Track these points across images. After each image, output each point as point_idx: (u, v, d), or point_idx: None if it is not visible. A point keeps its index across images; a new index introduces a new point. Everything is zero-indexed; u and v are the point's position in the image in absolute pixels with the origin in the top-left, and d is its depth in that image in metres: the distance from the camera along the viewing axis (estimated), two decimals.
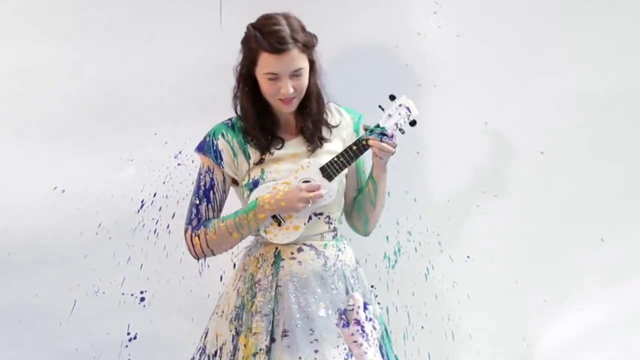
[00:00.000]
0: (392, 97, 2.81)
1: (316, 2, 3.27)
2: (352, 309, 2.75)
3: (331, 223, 2.88)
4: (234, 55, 3.13)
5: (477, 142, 3.36)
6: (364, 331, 2.73)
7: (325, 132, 2.89)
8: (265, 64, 2.74)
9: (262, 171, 2.82)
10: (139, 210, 3.32)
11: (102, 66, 3.30)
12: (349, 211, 2.98)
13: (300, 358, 2.74)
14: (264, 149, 2.83)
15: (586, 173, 3.37)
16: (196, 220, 2.83)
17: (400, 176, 3.31)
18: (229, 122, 2.87)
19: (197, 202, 2.84)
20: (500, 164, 3.36)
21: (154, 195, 3.32)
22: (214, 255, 2.86)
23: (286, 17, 2.78)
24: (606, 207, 3.38)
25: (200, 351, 2.90)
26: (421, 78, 3.33)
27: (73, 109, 3.31)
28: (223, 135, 2.85)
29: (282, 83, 2.75)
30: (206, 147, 2.85)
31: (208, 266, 3.33)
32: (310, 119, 2.86)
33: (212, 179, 2.85)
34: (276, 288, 2.81)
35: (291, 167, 2.82)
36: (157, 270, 3.33)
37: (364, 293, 2.90)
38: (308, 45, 2.76)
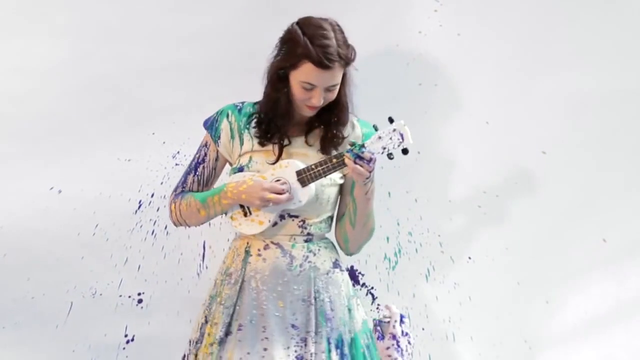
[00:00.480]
0: (391, 120, 2.72)
1: (315, 0, 3.19)
2: (389, 322, 2.82)
3: (305, 228, 2.86)
4: (233, 54, 3.19)
5: (478, 142, 3.36)
6: (399, 346, 2.81)
7: (339, 142, 2.88)
8: (306, 73, 2.75)
9: (250, 159, 2.85)
10: (136, 211, 3.31)
11: (99, 65, 3.29)
12: (335, 226, 2.97)
13: (248, 354, 2.77)
14: (268, 139, 2.84)
15: (588, 173, 3.37)
16: (180, 189, 2.92)
17: (401, 176, 3.33)
18: (240, 104, 2.91)
19: (187, 171, 2.93)
20: (502, 163, 3.36)
21: (152, 195, 3.31)
22: (188, 226, 2.93)
23: (334, 28, 2.78)
24: (608, 207, 3.38)
25: (189, 342, 2.96)
26: (422, 77, 3.33)
27: (70, 109, 3.30)
28: (228, 115, 2.89)
29: (315, 94, 2.76)
30: (210, 123, 2.92)
31: (206, 267, 3.32)
32: (335, 129, 2.86)
33: (205, 154, 2.93)
34: (242, 282, 2.84)
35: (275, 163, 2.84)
36: (155, 272, 3.32)
37: (332, 298, 2.85)
38: (348, 63, 2.78)
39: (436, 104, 3.33)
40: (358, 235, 2.91)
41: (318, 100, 2.76)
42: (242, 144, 2.88)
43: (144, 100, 3.31)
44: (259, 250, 2.85)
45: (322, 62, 2.71)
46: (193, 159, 2.93)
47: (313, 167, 2.76)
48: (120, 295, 3.31)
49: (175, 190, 2.93)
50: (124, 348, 3.32)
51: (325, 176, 2.77)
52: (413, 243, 3.37)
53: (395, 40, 3.32)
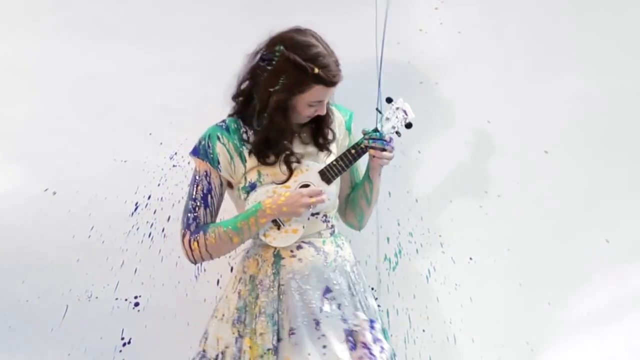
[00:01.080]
0: (389, 100, 2.90)
1: (313, 0, 3.28)
2: (359, 330, 2.84)
3: (328, 221, 2.94)
4: (229, 54, 3.12)
5: (479, 141, 3.34)
6: (372, 354, 2.82)
7: (329, 135, 2.96)
8: (316, 94, 2.82)
9: (259, 174, 2.87)
10: (132, 213, 3.29)
11: (94, 64, 3.30)
12: (343, 208, 3.06)
13: (309, 354, 2.79)
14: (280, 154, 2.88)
15: (591, 172, 3.37)
16: (194, 225, 2.86)
17: (402, 176, 3.33)
18: (223, 124, 2.91)
19: (195, 206, 2.87)
20: (504, 163, 3.35)
21: (149, 197, 3.30)
22: (212, 259, 2.90)
23: (317, 39, 2.84)
24: (611, 207, 3.37)
25: (200, 356, 2.92)
26: (423, 75, 3.32)
27: (64, 108, 3.29)
28: (219, 138, 2.88)
29: (322, 106, 2.86)
30: (202, 151, 2.88)
31: (204, 270, 3.30)
32: (327, 125, 2.94)
33: (209, 183, 2.88)
34: (279, 287, 2.85)
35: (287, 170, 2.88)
36: (152, 275, 3.31)
37: (364, 288, 2.97)
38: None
39: (437, 103, 3.31)
40: (371, 211, 3.06)
41: (323, 110, 2.87)
42: (244, 161, 2.89)
43: (140, 100, 3.29)
44: (291, 252, 2.89)
45: (332, 81, 2.81)
46: (195, 192, 2.88)
47: (334, 163, 2.88)
48: (117, 299, 3.30)
49: (187, 228, 2.86)
50: (120, 351, 3.30)
51: (347, 169, 2.89)
52: (414, 244, 3.36)
53: (396, 39, 3.30)
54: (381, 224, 3.34)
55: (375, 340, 2.86)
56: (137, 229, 3.29)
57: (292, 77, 2.78)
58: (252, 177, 2.87)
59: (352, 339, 2.83)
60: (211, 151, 2.87)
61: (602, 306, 3.36)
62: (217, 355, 2.88)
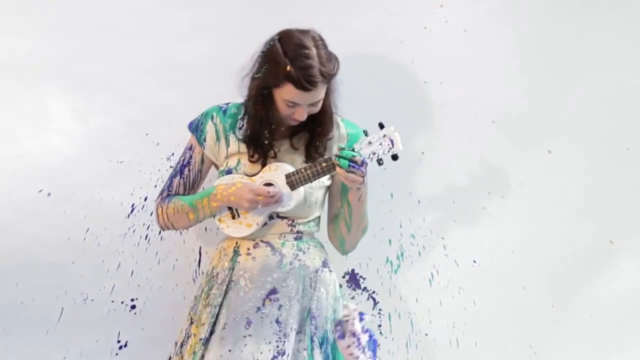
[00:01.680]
0: (381, 126, 2.79)
1: None
2: (348, 320, 2.83)
3: (294, 226, 2.96)
4: (228, 53, 3.15)
5: (483, 141, 3.33)
6: (360, 343, 2.82)
7: (319, 148, 2.95)
8: (288, 93, 2.81)
9: (238, 162, 2.93)
10: (129, 215, 3.28)
11: (91, 63, 3.27)
12: (329, 228, 3.07)
13: (229, 351, 2.84)
14: (258, 149, 2.91)
15: (594, 173, 3.36)
16: (166, 192, 3.00)
17: (404, 177, 3.32)
18: (224, 105, 2.99)
19: (173, 174, 3.00)
20: (508, 163, 3.34)
21: (145, 199, 3.28)
22: (175, 229, 3.02)
23: (316, 43, 2.82)
24: (615, 208, 3.37)
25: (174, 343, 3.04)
26: (427, 74, 3.30)
27: (60, 108, 3.28)
28: (212, 117, 2.98)
29: (299, 110, 2.83)
30: (194, 125, 2.99)
31: (202, 273, 3.28)
32: (320, 139, 2.93)
33: (190, 157, 3.00)
34: (229, 283, 2.92)
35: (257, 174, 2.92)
36: (149, 278, 3.29)
37: (319, 297, 2.92)
38: (332, 79, 2.84)
39: (442, 103, 3.30)
40: (353, 236, 3.02)
41: (301, 115, 2.84)
42: (228, 145, 2.96)
43: (137, 100, 3.28)
44: (248, 249, 2.93)
45: (304, 86, 2.77)
46: (178, 162, 3.00)
47: (302, 170, 2.85)
48: (113, 301, 3.29)
49: (161, 194, 2.99)
50: (116, 354, 3.29)
51: (314, 180, 2.85)
52: (416, 246, 3.34)
53: (400, 37, 3.29)
54: (383, 226, 3.32)
55: (365, 330, 2.86)
56: (134, 231, 3.26)
57: (271, 67, 2.81)
58: (232, 163, 2.93)
59: (341, 329, 2.83)
60: (202, 128, 2.97)
61: (607, 308, 3.36)
62: (181, 341, 2.97)
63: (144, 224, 3.27)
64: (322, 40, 2.84)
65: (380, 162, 2.79)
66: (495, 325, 3.34)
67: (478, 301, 3.33)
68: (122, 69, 3.26)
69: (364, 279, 3.34)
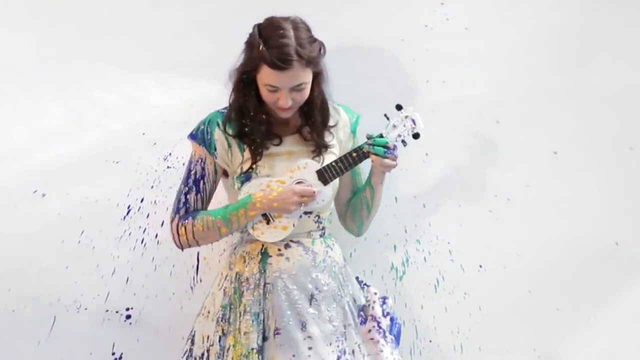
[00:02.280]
0: (399, 107, 2.90)
1: None
2: (369, 304, 2.90)
3: (320, 222, 2.97)
4: (226, 51, 3.12)
5: (488, 142, 3.31)
6: (380, 327, 2.87)
7: (327, 137, 2.97)
8: (266, 76, 2.81)
9: (256, 165, 2.89)
10: (124, 217, 3.24)
11: (86, 61, 3.26)
12: (343, 212, 3.09)
13: (294, 356, 2.81)
14: (260, 144, 2.90)
15: (600, 174, 3.34)
16: (184, 210, 2.91)
17: (408, 180, 3.31)
18: (224, 110, 2.94)
19: (186, 191, 2.92)
20: (513, 165, 3.31)
21: (141, 200, 3.24)
22: (199, 246, 2.95)
23: (295, 26, 2.82)
24: (621, 210, 3.34)
25: (186, 355, 2.95)
26: (429, 73, 3.29)
27: (54, 107, 3.27)
28: (218, 124, 2.91)
29: (281, 95, 2.82)
30: (200, 136, 2.91)
31: (200, 281, 3.24)
32: (315, 130, 2.93)
33: (203, 169, 2.92)
34: (264, 286, 2.88)
35: (285, 165, 2.90)
36: (145, 285, 3.24)
37: (352, 291, 2.98)
38: (312, 61, 2.81)
39: (444, 102, 3.28)
40: (371, 217, 3.06)
41: (285, 101, 2.82)
42: (242, 150, 2.92)
43: (133, 99, 3.26)
44: (279, 250, 2.91)
45: (276, 64, 2.76)
46: (188, 177, 2.92)
47: (333, 164, 2.89)
48: (107, 310, 3.23)
49: (177, 212, 2.91)
50: None
51: (346, 171, 2.89)
52: (421, 251, 3.31)
53: (400, 35, 3.28)
54: (387, 231, 3.29)
55: (385, 314, 2.90)
56: (129, 234, 3.22)
57: (248, 52, 2.84)
58: (248, 166, 2.88)
59: (363, 314, 2.87)
60: (209, 137, 2.90)
61: (612, 312, 3.33)
62: (203, 354, 2.89)
63: (140, 227, 3.23)
64: (304, 25, 2.83)
65: (404, 143, 2.89)
66: (499, 330, 3.30)
67: (483, 306, 3.29)
68: (118, 68, 3.25)
69: (368, 286, 3.22)
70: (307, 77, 2.82)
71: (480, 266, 3.30)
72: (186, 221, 2.87)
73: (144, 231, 3.23)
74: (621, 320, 3.33)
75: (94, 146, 3.24)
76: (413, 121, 2.89)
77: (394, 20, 3.28)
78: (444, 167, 3.31)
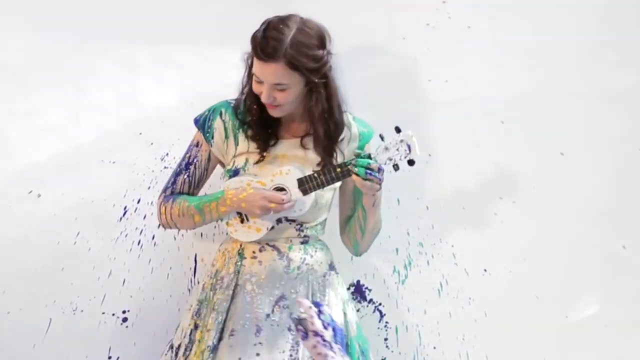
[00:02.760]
0: (398, 130, 2.82)
1: None
2: (307, 319, 2.79)
3: (302, 231, 2.98)
4: (225, 50, 3.22)
5: (493, 143, 3.33)
6: (325, 340, 2.76)
7: (329, 149, 2.96)
8: (254, 64, 2.87)
9: (246, 161, 2.94)
10: (121, 218, 3.27)
11: (83, 62, 3.30)
12: (342, 229, 3.11)
13: (239, 359, 2.83)
14: (259, 143, 2.93)
15: (607, 176, 3.36)
16: (170, 190, 2.99)
17: (411, 181, 3.33)
18: (234, 101, 2.99)
19: (178, 171, 2.99)
20: (519, 166, 3.33)
21: (138, 201, 3.28)
22: (177, 229, 3.06)
23: (302, 28, 2.84)
24: (628, 212, 3.36)
25: (169, 346, 3.03)
26: (431, 73, 3.31)
27: (50, 106, 3.30)
28: (221, 114, 2.98)
29: (263, 89, 2.85)
30: (201, 122, 2.99)
31: (198, 282, 3.25)
32: (318, 140, 2.92)
33: (196, 154, 2.99)
34: (235, 287, 2.92)
35: (272, 167, 2.93)
36: (141, 287, 3.28)
37: (329, 301, 2.94)
38: (299, 67, 2.80)
39: (447, 102, 3.30)
40: (367, 240, 3.05)
41: (266, 96, 2.85)
42: (237, 144, 2.96)
43: (130, 98, 3.30)
44: (254, 252, 2.94)
45: (258, 53, 2.82)
46: (183, 159, 3.00)
47: (316, 175, 2.87)
48: (104, 313, 3.27)
49: (164, 191, 2.99)
50: None
51: (327, 186, 2.87)
52: (424, 255, 3.33)
53: (402, 34, 3.31)
54: (389, 234, 3.30)
55: (326, 325, 2.79)
56: (126, 235, 3.25)
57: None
58: (239, 162, 2.93)
59: (302, 328, 2.77)
60: (209, 124, 2.97)
61: (620, 317, 3.33)
62: (179, 345, 2.96)
63: (136, 228, 3.27)
64: (315, 32, 2.82)
65: (396, 167, 2.83)
66: (506, 336, 3.32)
67: (489, 312, 3.30)
68: (115, 67, 3.29)
69: (369, 290, 3.32)
70: (291, 79, 2.80)
71: (485, 270, 3.32)
72: (167, 202, 2.94)
73: (141, 232, 3.26)
74: (630, 324, 3.32)
75: (90, 146, 3.28)
76: (408, 147, 2.80)
77: (396, 18, 3.31)
78: (447, 169, 3.33)
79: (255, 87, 2.85)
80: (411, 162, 2.81)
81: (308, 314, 2.72)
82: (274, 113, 2.87)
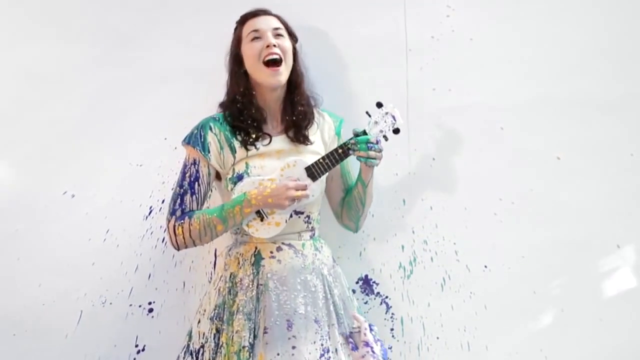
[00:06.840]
0: (379, 105, 3.07)
1: (327, 4, 3.40)
2: (359, 331, 3.01)
3: (310, 222, 3.12)
4: None
5: (493, 148, 3.43)
6: (374, 352, 2.99)
7: (311, 133, 3.13)
8: (248, 28, 3.08)
9: (247, 165, 3.05)
10: (146, 217, 3.42)
11: (112, 71, 3.43)
12: (339, 212, 3.26)
13: (278, 354, 2.94)
14: (250, 143, 3.07)
15: (603, 177, 3.44)
16: (180, 211, 3.02)
17: (416, 183, 3.43)
18: (216, 116, 3.11)
19: (182, 192, 3.04)
20: (517, 170, 3.42)
21: (162, 202, 3.43)
22: (195, 246, 3.06)
23: (277, 15, 3.15)
24: (623, 212, 3.44)
25: (184, 350, 3.11)
26: (436, 82, 3.40)
27: (82, 113, 3.43)
28: (211, 128, 3.08)
29: (265, 37, 3.04)
30: (193, 139, 3.06)
31: (220, 279, 3.24)
32: (298, 111, 3.09)
33: (197, 171, 3.05)
34: (257, 287, 3.02)
35: (275, 164, 3.04)
36: (166, 280, 3.42)
37: (341, 292, 3.11)
38: (283, 21, 3.09)
39: (450, 110, 3.42)
40: (365, 212, 3.22)
41: (269, 40, 3.03)
42: (234, 152, 3.07)
43: (156, 106, 3.43)
44: (271, 252, 3.06)
45: (252, 12, 3.07)
46: (182, 179, 3.05)
47: (321, 161, 3.02)
48: (131, 305, 3.41)
49: (173, 214, 3.03)
50: (134, 358, 3.42)
51: (333, 167, 3.02)
52: (428, 252, 3.44)
53: (408, 45, 3.44)
54: (395, 232, 3.41)
55: (377, 340, 3.03)
56: (151, 233, 3.39)
57: (233, 37, 3.15)
58: (240, 168, 3.04)
59: (353, 341, 2.99)
60: (202, 140, 3.04)
61: (616, 312, 3.41)
62: (199, 349, 3.05)
63: (161, 227, 3.40)
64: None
65: (386, 138, 3.05)
66: (506, 329, 3.40)
67: (489, 305, 3.40)
68: (143, 76, 3.42)
69: (377, 284, 3.43)
70: (283, 31, 3.09)
71: (486, 267, 3.42)
72: (183, 221, 2.99)
73: (165, 230, 3.40)
74: (624, 320, 3.41)
75: (120, 151, 3.42)
76: (393, 117, 3.05)
77: (403, 32, 3.42)
78: (450, 172, 3.43)
79: (256, 48, 3.02)
80: (396, 131, 3.08)
81: (362, 326, 2.96)
82: (276, 75, 3.04)
